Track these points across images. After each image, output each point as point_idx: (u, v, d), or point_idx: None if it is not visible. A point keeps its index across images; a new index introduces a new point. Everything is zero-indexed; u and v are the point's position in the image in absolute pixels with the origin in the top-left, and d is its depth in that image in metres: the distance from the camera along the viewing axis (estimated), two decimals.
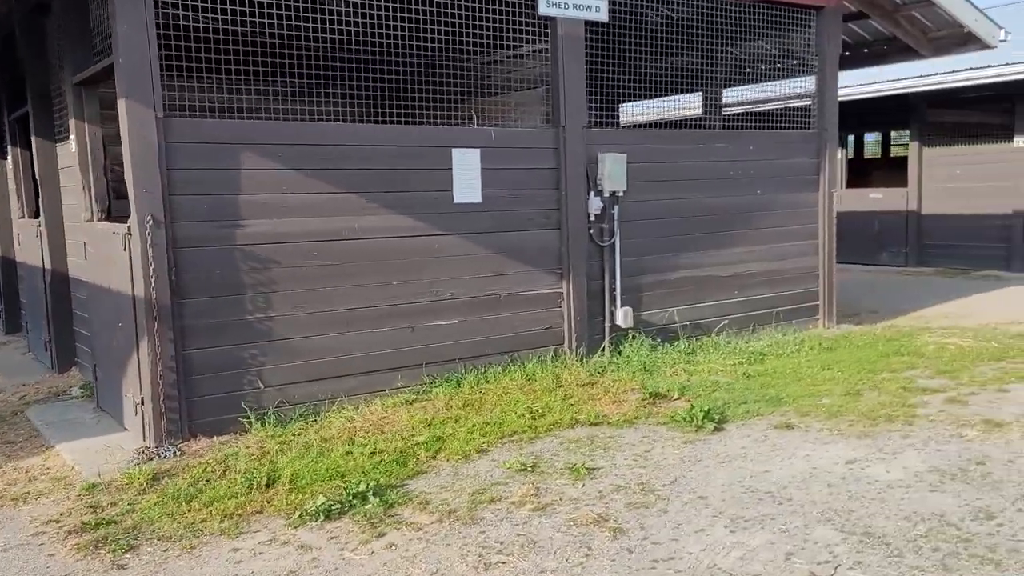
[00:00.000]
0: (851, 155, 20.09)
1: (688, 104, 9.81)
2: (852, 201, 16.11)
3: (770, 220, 8.46)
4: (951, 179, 14.71)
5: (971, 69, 12.77)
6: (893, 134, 18.50)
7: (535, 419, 5.60)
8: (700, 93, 9.72)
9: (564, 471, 4.63)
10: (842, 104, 15.08)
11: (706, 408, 5.46)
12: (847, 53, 10.55)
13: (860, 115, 15.86)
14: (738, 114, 9.51)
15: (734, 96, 10.01)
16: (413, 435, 5.31)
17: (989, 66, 12.63)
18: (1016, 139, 13.71)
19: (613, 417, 5.66)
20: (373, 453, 4.93)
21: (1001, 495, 4.09)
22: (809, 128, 8.70)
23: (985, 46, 9.21)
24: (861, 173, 17.68)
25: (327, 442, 5.21)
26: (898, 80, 13.87)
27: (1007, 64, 12.37)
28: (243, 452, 5.00)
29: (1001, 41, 9.14)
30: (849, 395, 6.03)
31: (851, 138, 19.40)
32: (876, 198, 15.90)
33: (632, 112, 10.72)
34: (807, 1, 8.35)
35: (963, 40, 9.33)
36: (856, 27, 9.94)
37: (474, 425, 5.47)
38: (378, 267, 6.12)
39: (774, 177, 8.44)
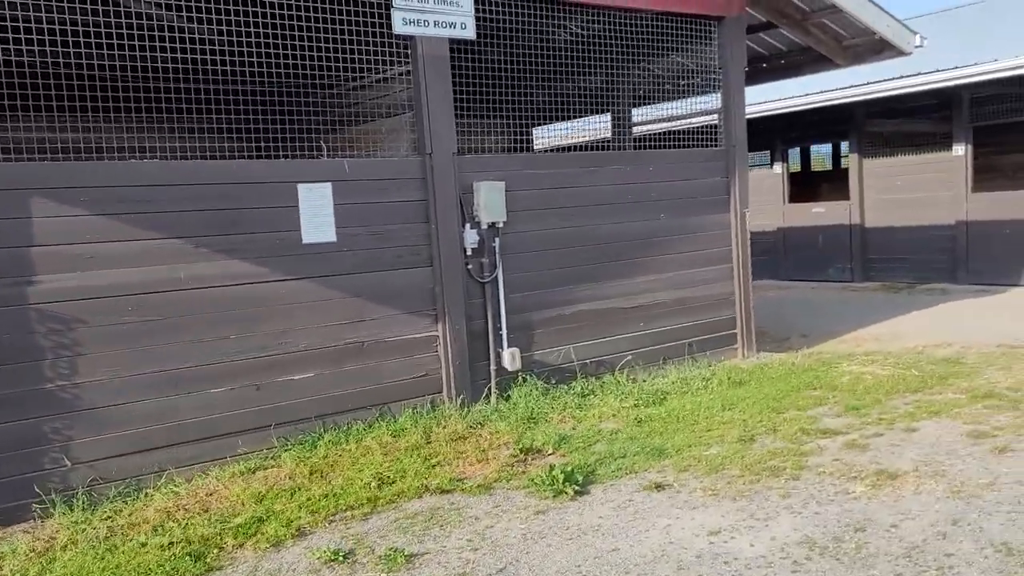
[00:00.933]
0: (797, 168, 19.73)
1: (597, 126, 9.27)
2: (796, 216, 15.71)
3: (677, 245, 7.89)
4: (893, 190, 14.30)
5: (901, 77, 12.35)
6: (843, 145, 18.11)
7: (381, 487, 4.94)
8: (609, 114, 9.20)
9: (381, 560, 3.97)
10: (779, 117, 14.77)
11: (570, 469, 4.83)
12: (764, 65, 10.09)
13: (801, 127, 15.45)
14: (650, 135, 9.00)
15: (646, 116, 9.49)
16: (234, 515, 4.64)
17: (919, 73, 12.22)
18: (954, 147, 13.32)
19: (471, 480, 5.02)
20: (171, 544, 4.24)
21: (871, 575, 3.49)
22: (716, 145, 8.16)
23: (900, 53, 8.73)
24: (809, 186, 17.25)
25: (132, 528, 4.53)
26: (834, 90, 13.43)
27: (937, 71, 11.97)
28: (22, 549, 4.31)
29: (916, 47, 8.66)
30: (741, 442, 5.42)
31: (794, 151, 19.03)
32: (819, 212, 15.47)
33: (545, 136, 10.20)
34: (706, 11, 7.84)
35: (878, 47, 8.85)
36: (769, 38, 9.45)
37: (309, 498, 4.81)
38: (213, 319, 5.46)
39: (679, 199, 7.88)
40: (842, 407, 6.13)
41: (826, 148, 18.43)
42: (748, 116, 14.88)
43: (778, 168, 16.08)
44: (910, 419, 5.70)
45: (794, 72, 9.92)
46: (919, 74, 12.22)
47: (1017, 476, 4.46)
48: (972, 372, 6.90)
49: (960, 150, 13.25)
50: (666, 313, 7.82)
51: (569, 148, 9.02)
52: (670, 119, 8.71)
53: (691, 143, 8.05)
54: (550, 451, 5.50)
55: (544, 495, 4.68)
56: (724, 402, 6.44)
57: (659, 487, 4.70)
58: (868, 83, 12.83)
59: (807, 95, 13.90)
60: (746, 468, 4.89)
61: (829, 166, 18.96)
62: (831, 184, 16.66)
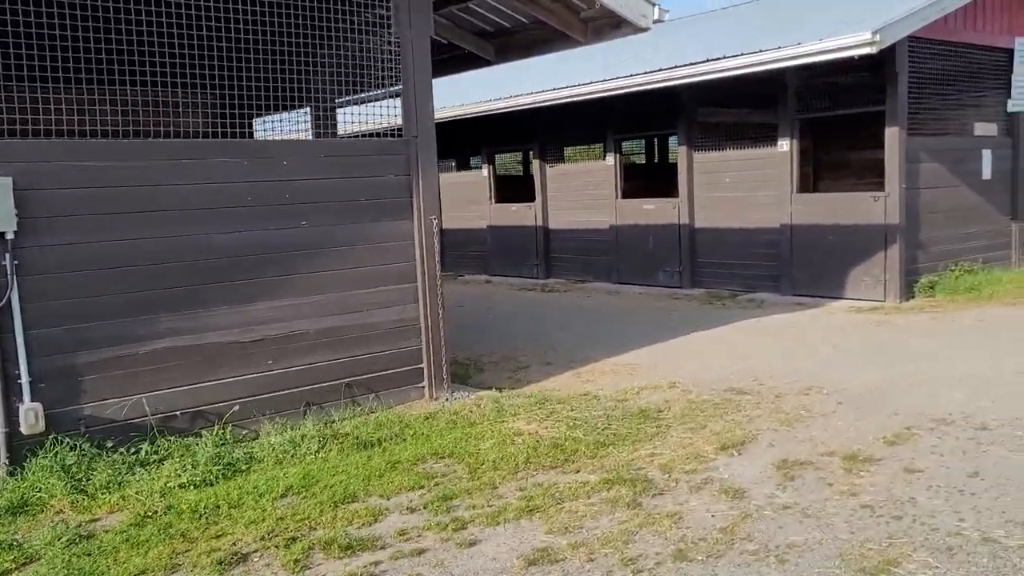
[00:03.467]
0: (641, 160, 18.36)
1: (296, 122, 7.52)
2: (629, 213, 14.27)
3: (331, 260, 6.23)
4: (722, 188, 12.91)
5: (711, 61, 10.91)
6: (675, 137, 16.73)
7: None
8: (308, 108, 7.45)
9: None
10: (602, 101, 13.19)
11: None
12: (508, 39, 8.49)
13: (632, 115, 13.97)
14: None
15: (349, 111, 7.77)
16: None
17: (724, 56, 10.79)
18: (779, 142, 11.93)
19: None
20: None
21: None
22: (395, 135, 6.52)
23: (636, 28, 7.18)
24: (645, 180, 15.86)
25: None
26: (642, 74, 11.93)
27: (740, 55, 10.53)
28: None
29: (655, 21, 7.12)
30: (221, 566, 3.80)
31: (636, 143, 17.64)
32: (649, 210, 14.02)
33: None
34: None
35: (615, 21, 7.30)
36: (504, 6, 7.83)
37: None
38: None
39: (334, 202, 6.22)
40: (437, 494, 4.55)
41: (671, 140, 17.02)
42: (558, 100, 13.47)
43: (610, 159, 14.57)
44: (492, 520, 4.14)
45: (538, 49, 8.32)
46: (724, 58, 10.79)
47: None
48: (650, 436, 5.39)
49: (785, 145, 11.87)
50: (311, 347, 6.17)
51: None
52: (360, 101, 7.03)
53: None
54: None
55: None
56: (302, 481, 4.82)
57: None
58: (676, 67, 11.37)
59: (617, 78, 12.36)
60: None
61: (672, 159, 17.60)
62: (667, 179, 15.26)
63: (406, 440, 5.60)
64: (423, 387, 6.73)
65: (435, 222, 6.65)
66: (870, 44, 9.02)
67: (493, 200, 17.09)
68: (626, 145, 16.23)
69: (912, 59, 10.58)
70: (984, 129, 12.22)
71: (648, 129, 14.68)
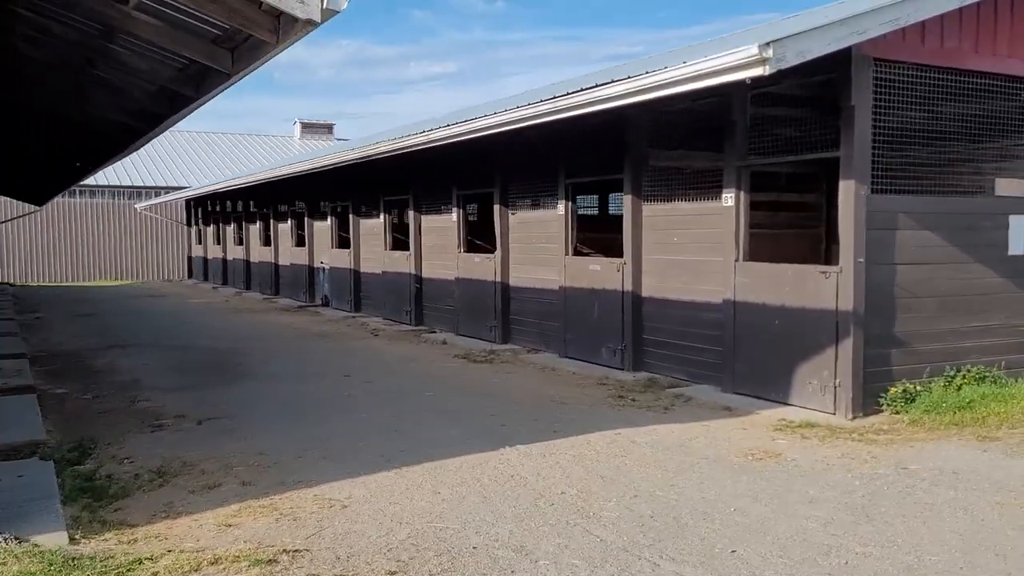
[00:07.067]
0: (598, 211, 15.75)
1: None
2: (576, 274, 11.82)
3: None
4: (670, 248, 10.28)
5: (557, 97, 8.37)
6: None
7: None
8: None
9: None
10: (549, 133, 10.78)
11: None
12: (240, 45, 6.41)
13: (585, 155, 11.55)
14: None
15: None
16: None
17: (645, 73, 8.11)
18: (724, 194, 9.22)
19: None
20: None
21: None
22: None
23: (305, 22, 4.91)
24: (603, 233, 13.31)
25: None
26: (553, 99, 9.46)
27: (644, 73, 7.94)
28: None
29: (328, 11, 4.83)
30: None
31: (580, 190, 15.04)
32: (596, 271, 11.49)
33: None
34: None
35: (291, 17, 5.08)
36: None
37: None
38: None
39: None
40: None
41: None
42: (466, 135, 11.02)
43: (561, 208, 12.15)
44: None
45: (256, 56, 6.15)
46: (644, 74, 8.13)
47: None
48: None
49: (730, 199, 9.16)
50: None
51: None
52: None
53: None
54: None
55: None
56: None
57: None
58: (630, 77, 8.86)
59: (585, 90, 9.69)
60: None
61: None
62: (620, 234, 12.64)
63: None
64: None
65: None
66: (760, 63, 6.28)
67: (462, 249, 14.99)
68: (582, 192, 13.73)
69: (881, 89, 7.76)
70: (1012, 188, 9.04)
71: (600, 173, 12.10)
